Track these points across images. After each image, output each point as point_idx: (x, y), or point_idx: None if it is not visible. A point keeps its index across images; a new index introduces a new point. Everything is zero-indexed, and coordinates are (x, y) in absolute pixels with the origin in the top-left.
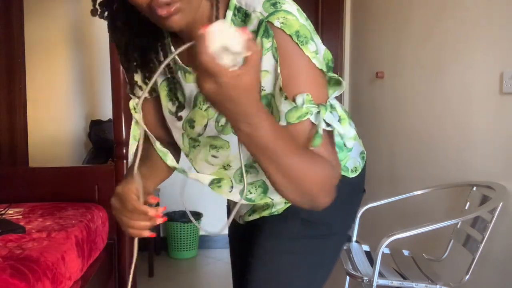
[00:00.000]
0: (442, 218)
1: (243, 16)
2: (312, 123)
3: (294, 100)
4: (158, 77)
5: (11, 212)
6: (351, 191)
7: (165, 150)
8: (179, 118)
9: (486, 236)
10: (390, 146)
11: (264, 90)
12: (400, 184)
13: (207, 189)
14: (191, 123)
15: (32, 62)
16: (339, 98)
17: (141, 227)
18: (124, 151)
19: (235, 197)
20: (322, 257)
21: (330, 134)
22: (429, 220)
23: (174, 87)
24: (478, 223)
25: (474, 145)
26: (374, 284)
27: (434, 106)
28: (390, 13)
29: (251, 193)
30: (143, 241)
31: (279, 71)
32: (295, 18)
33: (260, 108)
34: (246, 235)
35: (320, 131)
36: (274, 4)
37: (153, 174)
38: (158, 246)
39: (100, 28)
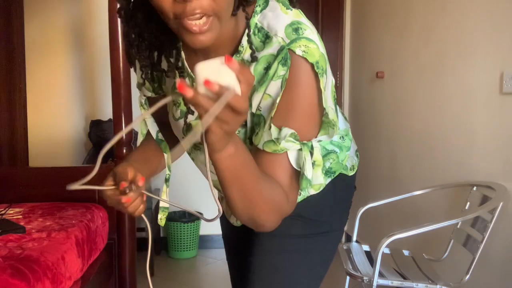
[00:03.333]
0: (442, 218)
1: (263, 37)
2: (288, 159)
3: (280, 128)
4: (168, 79)
5: (11, 212)
6: (348, 188)
7: (164, 142)
8: (186, 124)
9: (486, 236)
10: (390, 146)
11: (260, 110)
12: (400, 184)
13: (206, 189)
14: (190, 129)
15: (32, 62)
16: (339, 100)
17: (132, 205)
18: (124, 151)
19: None
20: (322, 254)
21: (298, 172)
22: (429, 220)
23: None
24: (478, 223)
25: (474, 145)
26: (374, 284)
27: (434, 106)
28: (390, 13)
29: None
30: (143, 241)
31: (278, 101)
32: (316, 47)
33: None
34: (242, 236)
35: (307, 175)
36: (296, 30)
37: (147, 164)
38: (158, 246)
39: (100, 28)
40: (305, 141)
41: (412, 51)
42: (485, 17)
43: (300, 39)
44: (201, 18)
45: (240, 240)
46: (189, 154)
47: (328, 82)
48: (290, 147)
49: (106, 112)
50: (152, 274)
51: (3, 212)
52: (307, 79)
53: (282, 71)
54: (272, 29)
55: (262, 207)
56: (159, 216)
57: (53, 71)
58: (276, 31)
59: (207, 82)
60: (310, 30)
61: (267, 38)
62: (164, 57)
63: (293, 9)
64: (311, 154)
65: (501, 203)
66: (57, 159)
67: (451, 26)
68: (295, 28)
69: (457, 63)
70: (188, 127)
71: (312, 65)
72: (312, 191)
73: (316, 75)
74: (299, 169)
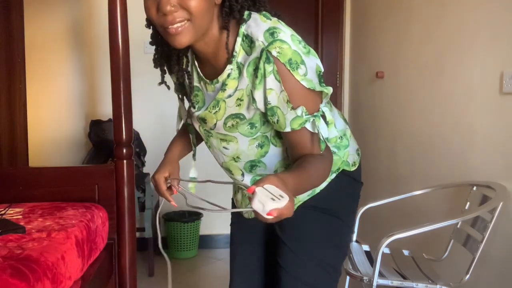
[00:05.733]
0: (442, 218)
1: (249, 42)
2: (308, 130)
3: (295, 109)
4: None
5: (11, 212)
6: (352, 182)
7: (190, 125)
8: (192, 114)
9: (486, 236)
10: (390, 146)
11: (270, 104)
12: (400, 184)
13: (207, 189)
14: (204, 121)
15: (32, 62)
16: (339, 100)
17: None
18: (124, 151)
19: (248, 183)
20: (335, 234)
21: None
22: (429, 220)
23: (197, 92)
24: (478, 223)
25: (474, 145)
26: (374, 284)
27: (434, 106)
28: (390, 13)
29: None
30: (143, 241)
31: (283, 88)
32: (288, 47)
33: (291, 189)
34: (257, 226)
35: (323, 136)
36: (272, 34)
37: (183, 144)
38: (158, 246)
39: (100, 28)
40: (315, 113)
41: (412, 51)
42: (485, 17)
43: (276, 41)
44: (177, 23)
45: (254, 229)
46: (206, 142)
47: (309, 66)
48: (309, 119)
49: (106, 112)
50: (152, 274)
51: (3, 212)
52: (287, 73)
53: (269, 67)
54: (255, 34)
55: (320, 180)
56: (190, 185)
57: (53, 71)
58: (257, 37)
59: (270, 214)
60: (283, 33)
61: (252, 42)
62: (172, 63)
63: (272, 19)
64: (323, 117)
65: (501, 203)
66: (57, 159)
67: (451, 26)
68: (271, 32)
69: (457, 63)
70: (201, 119)
71: (284, 64)
72: (330, 145)
73: (288, 71)
74: (316, 132)
